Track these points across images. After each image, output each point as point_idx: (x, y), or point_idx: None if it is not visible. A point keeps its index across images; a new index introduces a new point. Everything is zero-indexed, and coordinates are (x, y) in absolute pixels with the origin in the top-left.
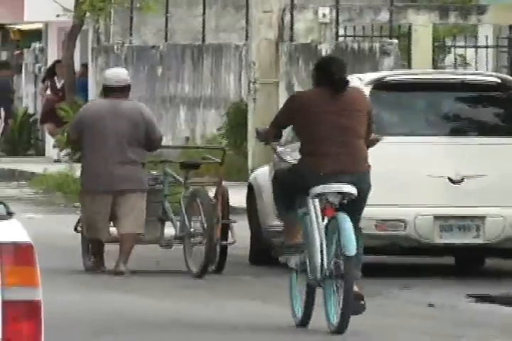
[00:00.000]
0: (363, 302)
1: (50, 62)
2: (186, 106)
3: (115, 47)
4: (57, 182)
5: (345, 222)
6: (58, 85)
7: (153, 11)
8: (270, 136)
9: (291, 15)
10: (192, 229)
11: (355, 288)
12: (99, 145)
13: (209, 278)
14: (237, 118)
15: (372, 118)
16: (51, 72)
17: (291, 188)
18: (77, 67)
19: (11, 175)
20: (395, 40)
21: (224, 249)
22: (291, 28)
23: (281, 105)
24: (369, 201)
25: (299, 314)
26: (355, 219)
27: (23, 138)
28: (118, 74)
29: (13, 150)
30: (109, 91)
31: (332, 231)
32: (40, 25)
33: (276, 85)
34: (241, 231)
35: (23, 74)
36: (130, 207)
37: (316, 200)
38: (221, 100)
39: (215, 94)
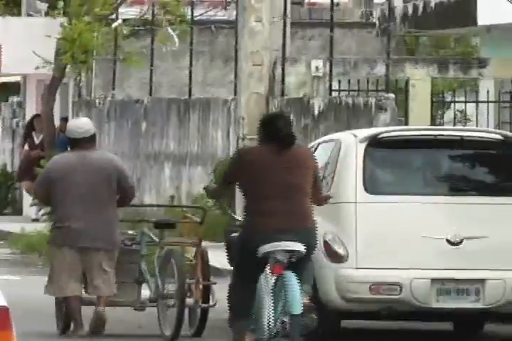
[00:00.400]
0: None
1: (28, 117)
2: (171, 163)
3: (97, 101)
4: (35, 242)
5: (292, 280)
6: (37, 141)
7: (137, 66)
8: (218, 193)
9: (283, 68)
10: (165, 291)
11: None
12: (69, 199)
13: None
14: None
15: (319, 175)
16: (29, 127)
17: (244, 254)
18: (57, 121)
19: None
20: (392, 95)
21: (204, 312)
22: (283, 82)
23: None
24: (363, 263)
25: None
26: (303, 277)
27: None
28: (81, 124)
29: None
30: (75, 143)
31: (279, 289)
32: (18, 78)
33: None
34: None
35: (0, 129)
36: (100, 267)
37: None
38: (208, 157)
39: (202, 151)
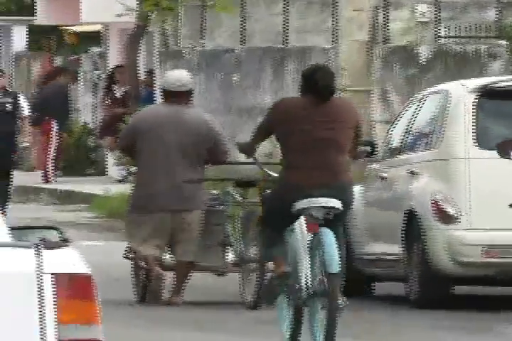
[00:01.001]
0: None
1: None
2: None
3: (185, 51)
4: (120, 205)
5: (329, 238)
6: (118, 94)
7: (228, 12)
8: (251, 146)
9: (386, 13)
10: (248, 255)
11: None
12: (155, 157)
13: None
14: None
15: (361, 130)
16: (110, 80)
17: (277, 209)
18: (142, 74)
19: (68, 198)
20: (504, 42)
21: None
22: (385, 29)
23: (374, 115)
24: (476, 224)
25: (287, 335)
26: (339, 234)
27: (80, 156)
28: (181, 77)
29: (69, 169)
30: (169, 96)
31: (316, 247)
32: (98, 27)
33: (368, 93)
34: None
35: (80, 83)
36: (186, 231)
37: (302, 217)
38: None
39: None
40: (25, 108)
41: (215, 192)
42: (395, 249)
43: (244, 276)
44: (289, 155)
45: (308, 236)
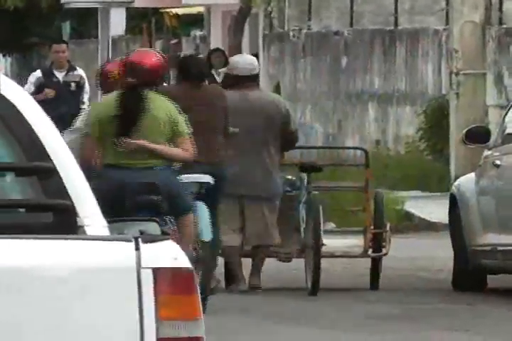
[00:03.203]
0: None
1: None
2: (376, 103)
3: (291, 33)
4: None
5: (202, 210)
6: (218, 79)
7: None
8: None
9: None
10: (312, 240)
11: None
12: (226, 143)
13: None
14: (437, 118)
15: (228, 113)
16: (208, 64)
17: None
18: None
19: None
20: None
21: (374, 262)
22: (500, 9)
23: (488, 100)
24: None
25: None
26: (213, 205)
27: None
28: (251, 61)
29: None
30: (240, 80)
31: None
32: (201, 9)
33: (483, 77)
34: (442, 251)
35: None
36: (260, 216)
37: None
38: (418, 96)
39: (411, 89)
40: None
41: (289, 177)
42: (511, 239)
43: (307, 263)
44: None
45: None
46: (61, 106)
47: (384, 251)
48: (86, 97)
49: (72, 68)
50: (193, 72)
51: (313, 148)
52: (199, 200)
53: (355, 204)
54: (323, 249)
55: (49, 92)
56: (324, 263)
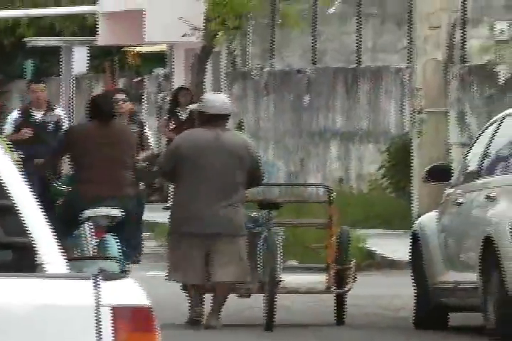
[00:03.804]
0: None
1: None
2: (339, 141)
3: (254, 71)
4: None
5: (111, 243)
6: (182, 117)
7: (297, 28)
8: (48, 165)
9: (463, 31)
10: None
11: None
12: (196, 181)
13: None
14: (399, 155)
15: (134, 148)
16: (174, 102)
17: (66, 215)
18: None
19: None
20: None
21: (339, 298)
22: (463, 47)
23: (451, 138)
24: None
25: None
26: (122, 238)
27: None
28: (223, 100)
29: None
30: (211, 119)
31: (103, 250)
32: (163, 47)
33: (445, 115)
34: (404, 289)
35: (144, 105)
36: (225, 253)
37: (87, 223)
38: (380, 134)
39: (373, 127)
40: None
41: (254, 214)
42: (472, 277)
43: (265, 298)
44: (80, 171)
45: (95, 241)
46: (39, 146)
47: (348, 287)
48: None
49: (50, 108)
50: (102, 110)
51: (277, 185)
52: (109, 233)
53: (318, 241)
54: (288, 285)
55: (26, 132)
56: (286, 300)
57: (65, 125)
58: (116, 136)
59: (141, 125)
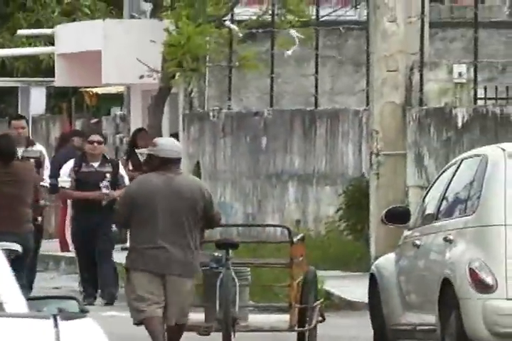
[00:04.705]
0: None
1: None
2: (296, 183)
3: (211, 113)
4: None
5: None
6: (141, 158)
7: (255, 70)
8: None
9: (421, 74)
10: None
11: None
12: (151, 223)
13: None
14: (356, 197)
15: (39, 186)
16: (132, 144)
17: None
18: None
19: None
20: None
21: (301, 336)
22: (421, 90)
23: (409, 181)
24: None
25: None
26: (20, 273)
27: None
28: (174, 144)
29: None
30: (165, 163)
31: None
32: (120, 89)
33: (403, 157)
34: (362, 330)
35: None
36: (180, 295)
37: None
38: (338, 176)
39: (331, 169)
40: (124, 177)
41: (216, 254)
42: (430, 318)
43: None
44: None
45: None
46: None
47: (312, 324)
48: (46, 174)
49: (31, 144)
50: (3, 150)
51: (235, 226)
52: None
53: (276, 282)
54: (250, 323)
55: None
56: (249, 338)
57: (46, 161)
58: (16, 175)
59: (116, 165)
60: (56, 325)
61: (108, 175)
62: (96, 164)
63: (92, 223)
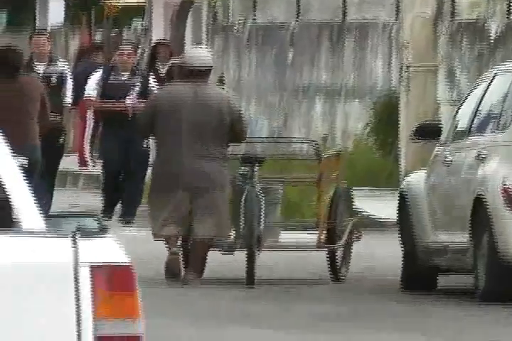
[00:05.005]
0: None
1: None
2: (324, 97)
3: (235, 25)
4: None
5: None
6: (162, 71)
7: None
8: None
9: None
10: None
11: None
12: (176, 136)
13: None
14: (386, 112)
15: (46, 102)
16: (152, 57)
17: None
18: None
19: None
20: None
21: (332, 255)
22: (453, 2)
23: (440, 95)
24: None
25: None
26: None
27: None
28: (202, 53)
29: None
30: (190, 73)
31: None
32: (142, 0)
33: (434, 71)
34: (391, 249)
35: None
36: (204, 208)
37: None
38: (367, 90)
39: (359, 83)
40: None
41: (243, 170)
42: (461, 238)
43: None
44: None
45: None
46: None
47: (342, 242)
48: (69, 94)
49: (53, 60)
50: (7, 64)
51: (261, 141)
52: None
53: (302, 197)
54: (277, 242)
55: None
56: (275, 256)
57: (69, 78)
58: (21, 89)
59: (147, 77)
60: (75, 243)
61: (137, 87)
62: (125, 76)
63: (121, 139)
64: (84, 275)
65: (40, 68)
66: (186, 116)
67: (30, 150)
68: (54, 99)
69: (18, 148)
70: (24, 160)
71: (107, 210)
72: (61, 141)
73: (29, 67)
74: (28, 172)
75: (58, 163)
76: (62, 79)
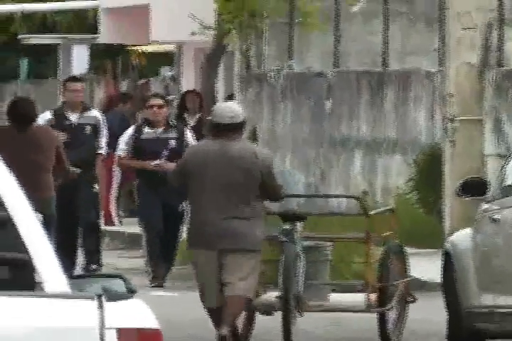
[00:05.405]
0: None
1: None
2: (363, 151)
3: (270, 74)
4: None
5: None
6: (191, 122)
7: (319, 30)
8: None
9: (500, 32)
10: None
11: None
12: (204, 196)
13: None
14: (429, 167)
15: (62, 152)
16: (181, 107)
17: None
18: (220, 100)
19: (135, 242)
20: None
21: (381, 317)
22: (500, 49)
23: (486, 149)
24: None
25: None
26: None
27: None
28: (232, 108)
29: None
30: (219, 129)
31: None
32: (171, 47)
33: (480, 123)
34: (435, 313)
35: None
36: (240, 267)
37: None
38: (408, 143)
39: (401, 136)
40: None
41: (286, 227)
42: (510, 300)
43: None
44: None
45: None
46: (74, 151)
47: (390, 305)
48: (104, 141)
49: (87, 109)
50: (20, 114)
51: (300, 196)
52: None
53: (344, 257)
54: (322, 303)
55: (60, 136)
56: (321, 318)
57: (104, 128)
58: (34, 140)
59: (182, 131)
60: (101, 306)
61: (173, 142)
62: (159, 130)
63: (157, 196)
64: (111, 339)
65: (73, 117)
66: (213, 174)
67: (43, 204)
68: (88, 148)
69: (30, 201)
70: (39, 216)
71: (158, 272)
72: (95, 189)
73: (61, 116)
74: (44, 227)
75: (98, 212)
76: (96, 129)
